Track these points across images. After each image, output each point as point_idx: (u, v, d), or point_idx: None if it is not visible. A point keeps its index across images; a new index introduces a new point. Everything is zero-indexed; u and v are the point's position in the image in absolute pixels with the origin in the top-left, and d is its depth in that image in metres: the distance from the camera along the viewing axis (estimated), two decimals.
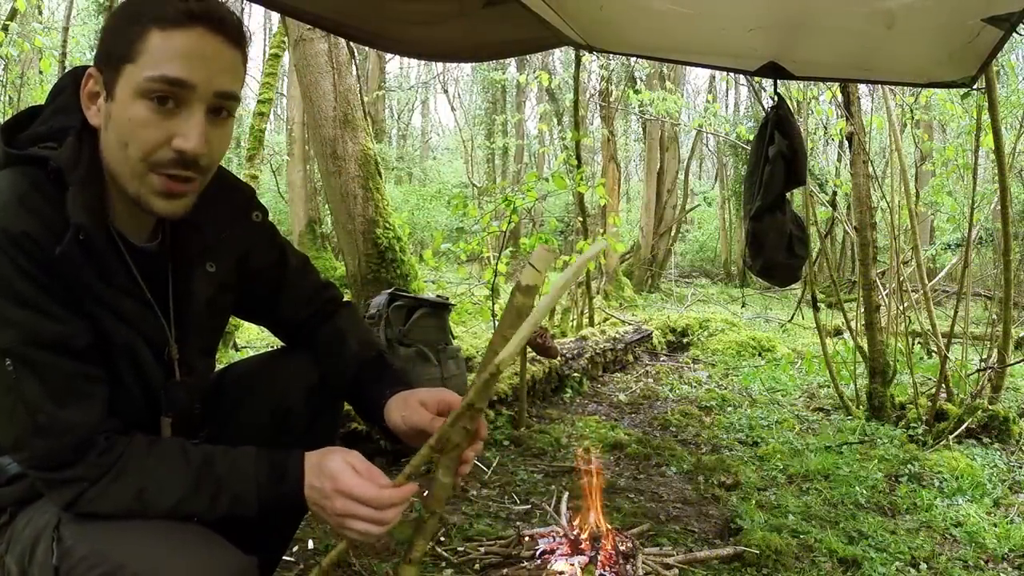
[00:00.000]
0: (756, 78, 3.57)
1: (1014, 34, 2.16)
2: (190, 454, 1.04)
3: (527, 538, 2.22)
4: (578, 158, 5.97)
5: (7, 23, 5.28)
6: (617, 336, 5.40)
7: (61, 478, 0.99)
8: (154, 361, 1.12)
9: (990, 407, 3.75)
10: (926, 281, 4.42)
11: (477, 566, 2.12)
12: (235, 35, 1.02)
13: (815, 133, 7.18)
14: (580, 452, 2.33)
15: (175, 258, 1.16)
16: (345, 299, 1.43)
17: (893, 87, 4.57)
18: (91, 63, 1.07)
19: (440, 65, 20.02)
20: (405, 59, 19.13)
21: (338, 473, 1.04)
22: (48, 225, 0.97)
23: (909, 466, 3.18)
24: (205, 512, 1.02)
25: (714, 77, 15.40)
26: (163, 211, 1.03)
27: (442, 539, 2.31)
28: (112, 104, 1.00)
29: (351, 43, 4.89)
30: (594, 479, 2.13)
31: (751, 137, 4.47)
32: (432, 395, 1.20)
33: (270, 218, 1.33)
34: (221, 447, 1.07)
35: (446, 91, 22.50)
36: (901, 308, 4.45)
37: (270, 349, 1.49)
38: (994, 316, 4.41)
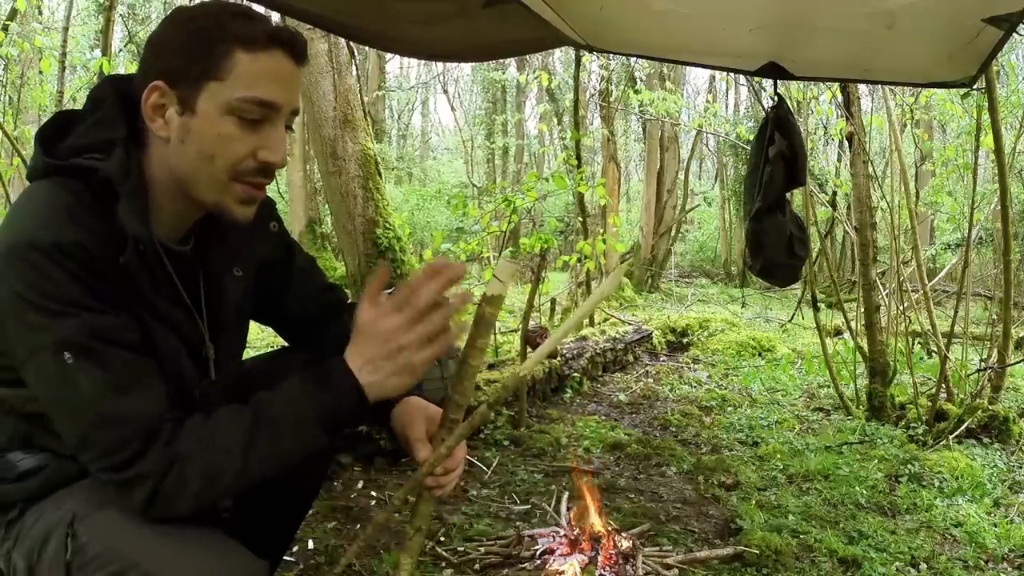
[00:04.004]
0: (756, 78, 3.58)
1: (1014, 34, 2.16)
2: (240, 411, 1.02)
3: (527, 538, 2.22)
4: (578, 158, 5.97)
5: (7, 23, 5.27)
6: (617, 336, 5.40)
7: (131, 476, 0.95)
8: (191, 363, 1.13)
9: (990, 407, 3.75)
10: (926, 281, 4.42)
11: (477, 566, 2.13)
12: (302, 56, 1.09)
13: (815, 133, 7.19)
14: (578, 453, 2.33)
15: (205, 262, 1.19)
16: (349, 302, 1.44)
17: (893, 87, 4.57)
18: (93, 63, 1.08)
19: (440, 65, 19.97)
20: (405, 59, 19.15)
21: (366, 326, 1.09)
22: (97, 236, 0.98)
23: (909, 466, 3.18)
24: (272, 459, 1.00)
25: (714, 77, 15.38)
26: (241, 216, 1.09)
27: (442, 539, 2.31)
28: (193, 118, 1.03)
29: (351, 43, 4.89)
30: (591, 479, 2.13)
31: (751, 137, 4.47)
32: (438, 414, 1.19)
33: None
34: (265, 392, 1.05)
35: (446, 91, 22.46)
36: (901, 308, 4.45)
37: (271, 349, 1.50)
38: (994, 316, 4.41)
